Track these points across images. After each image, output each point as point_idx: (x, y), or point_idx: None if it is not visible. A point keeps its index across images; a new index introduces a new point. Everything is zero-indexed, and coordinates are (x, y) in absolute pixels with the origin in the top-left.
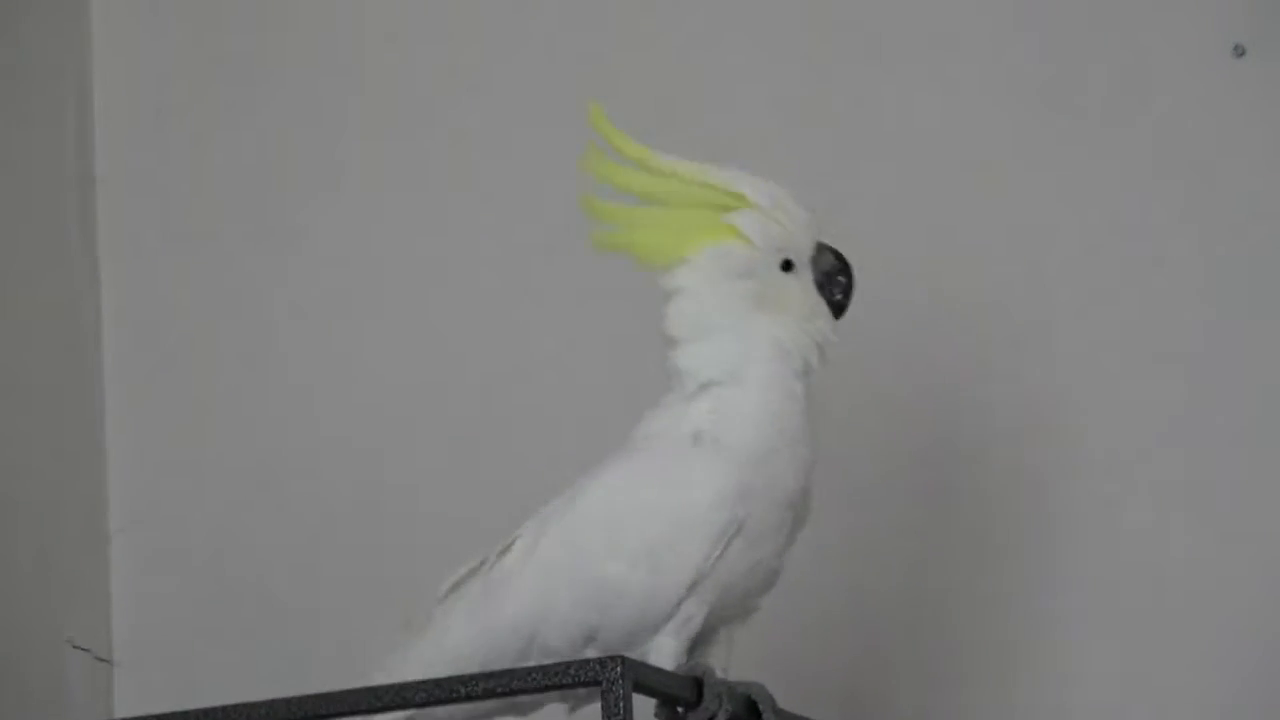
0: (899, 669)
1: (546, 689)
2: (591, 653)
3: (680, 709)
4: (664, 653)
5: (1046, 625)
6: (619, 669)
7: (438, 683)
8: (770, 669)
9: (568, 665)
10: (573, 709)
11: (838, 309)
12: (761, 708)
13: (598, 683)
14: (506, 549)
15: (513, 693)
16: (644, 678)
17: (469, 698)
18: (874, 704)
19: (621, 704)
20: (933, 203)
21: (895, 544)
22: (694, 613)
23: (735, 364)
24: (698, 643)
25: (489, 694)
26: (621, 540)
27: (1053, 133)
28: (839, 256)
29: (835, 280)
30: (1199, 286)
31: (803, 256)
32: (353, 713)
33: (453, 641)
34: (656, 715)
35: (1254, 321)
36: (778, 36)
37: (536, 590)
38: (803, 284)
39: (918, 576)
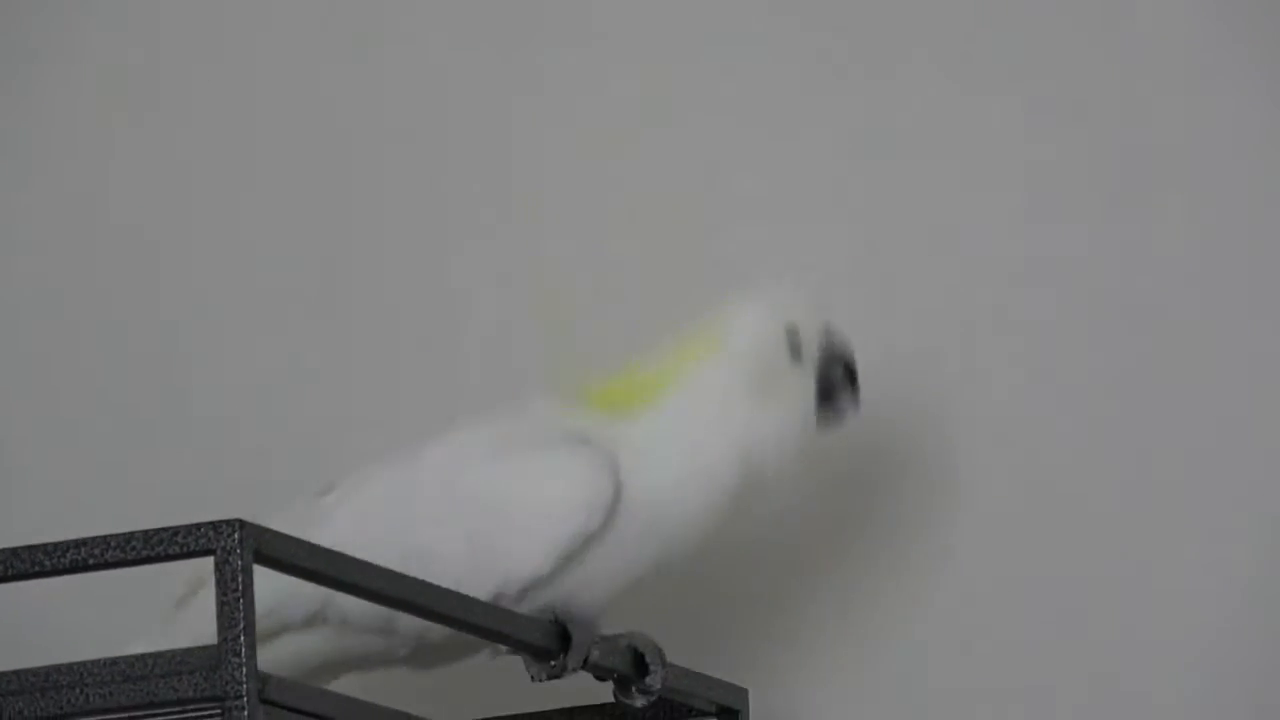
0: (798, 623)
1: (151, 560)
2: (393, 635)
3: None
4: None
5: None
6: (237, 535)
7: (14, 552)
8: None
9: (175, 531)
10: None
11: (832, 419)
12: (649, 661)
13: (210, 551)
14: (324, 491)
15: (109, 564)
16: (268, 547)
17: (55, 570)
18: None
19: (240, 578)
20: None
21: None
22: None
23: (685, 436)
24: None
25: (80, 565)
26: (456, 509)
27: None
28: (850, 362)
29: (841, 383)
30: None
31: (811, 342)
32: None
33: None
34: (527, 668)
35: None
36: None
37: (345, 534)
38: (802, 378)
39: (811, 526)
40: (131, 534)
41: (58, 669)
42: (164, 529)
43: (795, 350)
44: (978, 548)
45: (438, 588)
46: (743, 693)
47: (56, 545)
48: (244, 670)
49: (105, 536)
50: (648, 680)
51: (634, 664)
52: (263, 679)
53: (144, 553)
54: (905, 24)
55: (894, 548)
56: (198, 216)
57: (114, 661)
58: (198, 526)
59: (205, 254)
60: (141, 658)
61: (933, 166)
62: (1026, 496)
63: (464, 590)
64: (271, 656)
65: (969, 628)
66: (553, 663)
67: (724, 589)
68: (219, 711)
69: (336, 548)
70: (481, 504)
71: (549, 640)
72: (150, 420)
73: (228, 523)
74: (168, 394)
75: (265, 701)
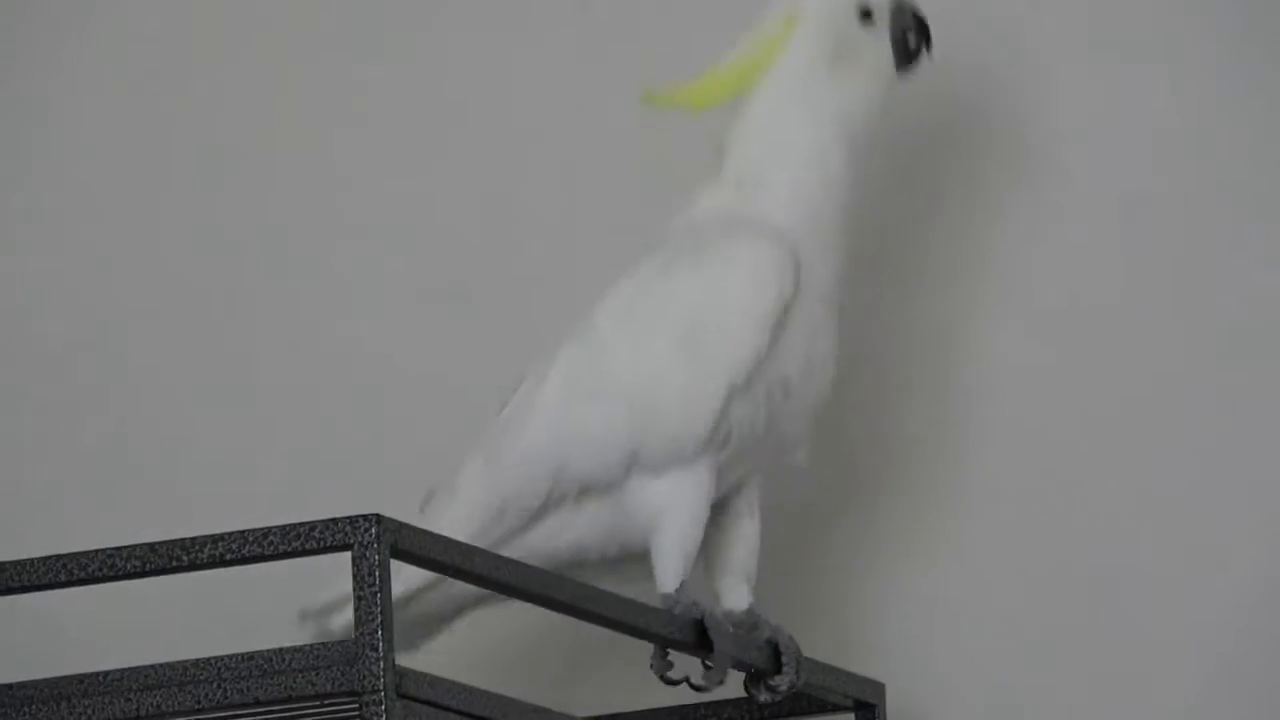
0: (938, 618)
1: (289, 555)
2: (634, 481)
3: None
4: (683, 510)
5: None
6: (374, 529)
7: (152, 548)
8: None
9: (312, 526)
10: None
11: (909, 59)
12: (784, 657)
13: (347, 546)
14: (516, 387)
15: (246, 559)
16: (406, 542)
17: (192, 565)
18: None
19: (377, 572)
20: None
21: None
22: (738, 421)
23: (786, 136)
24: (716, 519)
25: (217, 560)
26: (656, 332)
27: None
28: (918, 12)
29: (912, 32)
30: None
31: (882, 6)
32: (52, 585)
33: (467, 498)
34: (653, 666)
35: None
36: None
37: (559, 410)
38: (879, 38)
39: (949, 522)
40: (269, 529)
41: (196, 663)
42: (301, 524)
43: (866, 15)
44: (1135, 552)
45: (575, 582)
46: (879, 687)
47: (194, 540)
48: (381, 665)
49: (243, 531)
50: (775, 680)
51: (771, 660)
52: (400, 673)
53: (281, 548)
54: None
55: (1030, 544)
56: (311, 205)
57: (251, 656)
58: (335, 521)
59: (335, 246)
60: (279, 652)
61: None
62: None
63: (698, 406)
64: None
65: (1106, 626)
66: (692, 682)
67: (862, 584)
68: (356, 706)
69: (559, 424)
70: (680, 314)
71: (687, 638)
72: (275, 414)
73: (365, 517)
74: (295, 387)
75: (403, 696)
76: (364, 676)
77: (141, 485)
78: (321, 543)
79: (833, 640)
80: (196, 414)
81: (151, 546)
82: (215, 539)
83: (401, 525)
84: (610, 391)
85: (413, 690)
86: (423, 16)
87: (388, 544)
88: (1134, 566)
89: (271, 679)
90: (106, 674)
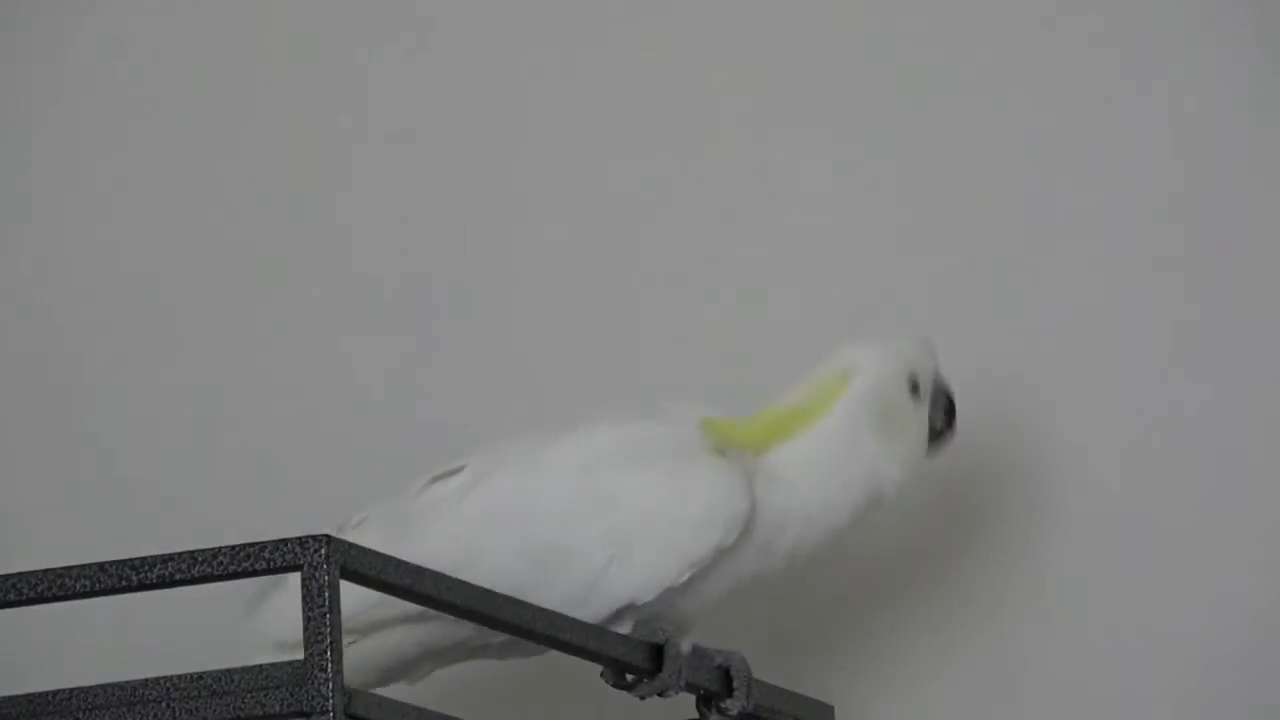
0: (885, 641)
1: (238, 575)
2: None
3: (629, 677)
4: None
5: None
6: (324, 550)
7: (102, 567)
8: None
9: (261, 546)
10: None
11: (939, 442)
12: (735, 681)
13: (297, 566)
14: (443, 476)
15: (196, 579)
16: (355, 563)
17: (142, 585)
18: (856, 678)
19: (326, 593)
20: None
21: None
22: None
23: (816, 473)
24: None
25: (167, 581)
26: (591, 513)
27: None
28: (951, 397)
29: (948, 417)
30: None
31: (927, 382)
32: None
33: None
34: (603, 675)
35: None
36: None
37: (467, 535)
38: (920, 410)
39: (904, 548)
40: (219, 549)
41: (145, 683)
42: (251, 544)
43: (915, 389)
44: (1068, 566)
45: (529, 605)
46: (828, 709)
47: (143, 560)
48: (330, 685)
49: (192, 552)
50: (726, 704)
51: (721, 683)
52: (349, 693)
53: (231, 568)
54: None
55: (983, 567)
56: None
57: (200, 676)
58: (285, 542)
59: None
60: (228, 672)
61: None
62: (1120, 517)
63: (596, 595)
64: (369, 648)
65: (1058, 648)
66: (630, 679)
67: (812, 606)
68: None
69: (463, 540)
70: (622, 507)
71: (641, 660)
72: (224, 435)
73: (315, 538)
74: (250, 405)
75: (351, 716)
76: (313, 697)
77: (91, 505)
78: (271, 563)
79: (782, 663)
80: (146, 435)
81: (100, 566)
82: (165, 559)
83: (351, 546)
84: (521, 542)
85: (361, 710)
86: (420, 18)
87: (337, 564)
88: (1095, 592)
89: (221, 699)
90: (55, 693)
